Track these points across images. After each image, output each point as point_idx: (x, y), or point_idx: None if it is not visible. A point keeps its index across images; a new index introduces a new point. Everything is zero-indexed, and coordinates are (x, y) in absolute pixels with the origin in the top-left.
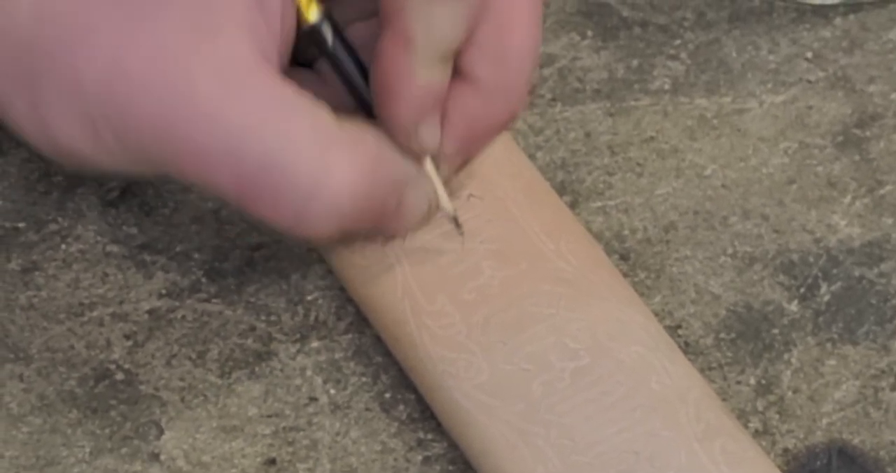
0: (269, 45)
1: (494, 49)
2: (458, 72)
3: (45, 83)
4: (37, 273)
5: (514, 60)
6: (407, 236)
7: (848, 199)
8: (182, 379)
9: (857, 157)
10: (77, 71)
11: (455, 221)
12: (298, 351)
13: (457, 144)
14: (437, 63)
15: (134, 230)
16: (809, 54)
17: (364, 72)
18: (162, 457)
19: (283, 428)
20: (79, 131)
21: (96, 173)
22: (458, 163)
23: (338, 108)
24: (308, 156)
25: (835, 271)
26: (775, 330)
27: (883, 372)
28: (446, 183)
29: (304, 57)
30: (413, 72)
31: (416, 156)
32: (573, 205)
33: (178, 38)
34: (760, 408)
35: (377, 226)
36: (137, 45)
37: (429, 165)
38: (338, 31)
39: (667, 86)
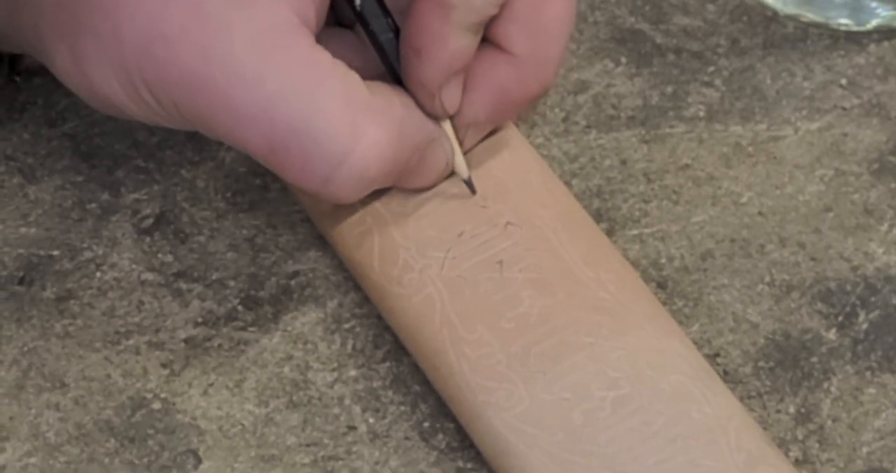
0: (306, 7)
1: (529, 22)
2: (493, 42)
3: (88, 37)
4: (72, 301)
5: (549, 34)
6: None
7: (885, 227)
8: (219, 408)
9: (893, 185)
10: (118, 27)
11: (469, 184)
12: (336, 380)
13: (488, 112)
14: (470, 30)
15: (169, 258)
16: (844, 81)
17: (396, 34)
18: None
19: (322, 457)
20: (117, 84)
21: (135, 122)
22: (486, 130)
23: (371, 68)
24: (338, 123)
25: (873, 299)
26: (814, 359)
27: None
28: (468, 150)
29: (345, 17)
30: (447, 36)
31: (437, 117)
32: (609, 233)
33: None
34: (800, 437)
35: (397, 182)
36: (177, 5)
37: (447, 126)
38: None
39: (701, 114)
